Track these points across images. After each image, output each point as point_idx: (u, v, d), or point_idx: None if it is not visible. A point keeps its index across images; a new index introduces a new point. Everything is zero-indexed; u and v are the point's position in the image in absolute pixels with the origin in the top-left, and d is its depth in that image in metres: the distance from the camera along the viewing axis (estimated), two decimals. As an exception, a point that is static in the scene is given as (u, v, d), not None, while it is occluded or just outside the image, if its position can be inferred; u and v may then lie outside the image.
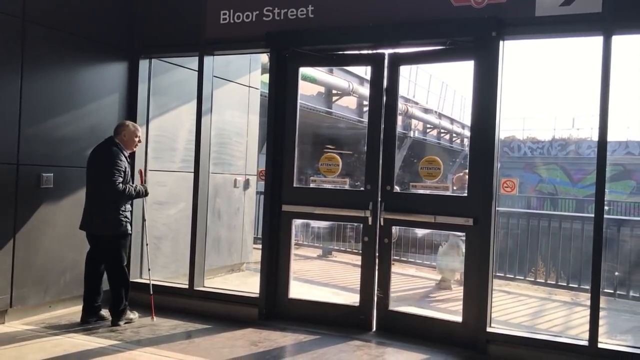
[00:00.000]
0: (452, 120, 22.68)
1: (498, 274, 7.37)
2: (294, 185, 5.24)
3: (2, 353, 4.06)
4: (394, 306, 4.99)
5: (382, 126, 4.93)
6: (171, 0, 5.69)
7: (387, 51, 4.93)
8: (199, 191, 5.46)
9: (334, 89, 13.78)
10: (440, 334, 4.62)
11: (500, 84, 4.43)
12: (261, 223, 5.39)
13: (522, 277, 7.67)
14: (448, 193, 5.23)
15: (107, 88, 5.50)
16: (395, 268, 5.68)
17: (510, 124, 30.99)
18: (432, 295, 6.93)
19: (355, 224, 6.32)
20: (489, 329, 4.41)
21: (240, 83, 7.12)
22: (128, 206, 4.86)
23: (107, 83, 5.50)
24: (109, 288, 4.86)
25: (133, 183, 5.01)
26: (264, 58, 7.27)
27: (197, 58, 5.47)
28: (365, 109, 14.44)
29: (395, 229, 5.05)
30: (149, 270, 5.17)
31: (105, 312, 4.89)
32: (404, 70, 5.17)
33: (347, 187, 5.22)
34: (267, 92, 5.32)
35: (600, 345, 4.09)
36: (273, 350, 4.41)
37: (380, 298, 4.90)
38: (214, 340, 4.59)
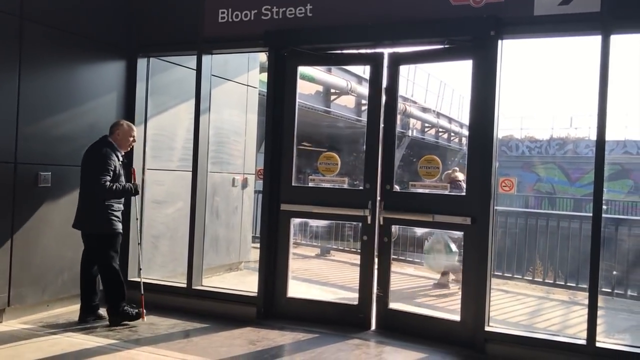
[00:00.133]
0: (450, 120, 22.71)
1: (496, 273, 7.38)
2: (293, 184, 5.23)
3: (-1, 352, 4.06)
4: (392, 304, 4.99)
5: (382, 125, 4.93)
6: (170, -1, 5.69)
7: (386, 50, 4.94)
8: (197, 190, 5.45)
9: (332, 88, 13.78)
10: (439, 332, 4.62)
11: (499, 83, 4.43)
12: (259, 222, 5.39)
13: (520, 276, 7.69)
14: (447, 192, 5.23)
15: (105, 87, 5.49)
16: (394, 267, 5.68)
17: (509, 123, 31.17)
18: (430, 293, 6.94)
19: (354, 223, 6.32)
20: (487, 328, 4.41)
21: (238, 82, 7.11)
22: (119, 205, 4.84)
23: (105, 82, 5.49)
24: (102, 287, 4.85)
25: (125, 182, 4.97)
26: (263, 57, 7.27)
27: (195, 57, 5.46)
28: (364, 108, 14.45)
29: (395, 228, 5.05)
30: (140, 269, 5.17)
31: (103, 312, 4.88)
32: (403, 69, 5.16)
33: (346, 186, 5.22)
34: (266, 91, 5.32)
35: (598, 344, 4.10)
36: (271, 349, 4.41)
37: (380, 297, 4.90)
38: (212, 339, 4.59)
